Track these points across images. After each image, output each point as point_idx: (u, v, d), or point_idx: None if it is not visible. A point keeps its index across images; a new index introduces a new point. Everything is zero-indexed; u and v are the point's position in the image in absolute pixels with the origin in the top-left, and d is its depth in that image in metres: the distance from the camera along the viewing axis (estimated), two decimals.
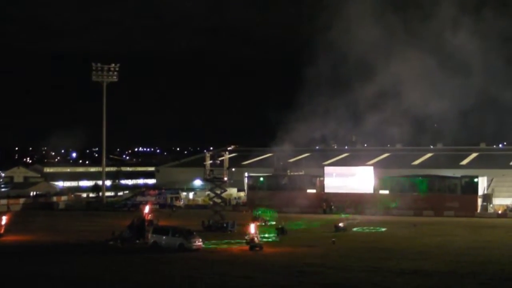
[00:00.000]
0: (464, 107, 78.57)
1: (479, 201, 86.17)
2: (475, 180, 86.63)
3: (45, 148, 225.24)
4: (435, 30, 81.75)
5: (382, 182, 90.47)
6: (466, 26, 76.06)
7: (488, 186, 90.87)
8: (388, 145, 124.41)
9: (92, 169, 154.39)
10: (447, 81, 79.88)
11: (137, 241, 53.34)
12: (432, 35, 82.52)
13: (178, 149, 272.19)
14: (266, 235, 57.39)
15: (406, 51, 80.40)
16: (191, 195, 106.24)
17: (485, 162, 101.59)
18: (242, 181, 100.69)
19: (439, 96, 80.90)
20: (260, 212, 74.12)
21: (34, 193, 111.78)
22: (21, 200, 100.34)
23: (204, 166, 70.84)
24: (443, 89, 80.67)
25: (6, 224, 59.11)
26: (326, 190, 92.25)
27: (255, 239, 50.67)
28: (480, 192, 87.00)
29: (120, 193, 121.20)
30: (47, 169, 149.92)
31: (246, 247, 50.18)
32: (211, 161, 70.83)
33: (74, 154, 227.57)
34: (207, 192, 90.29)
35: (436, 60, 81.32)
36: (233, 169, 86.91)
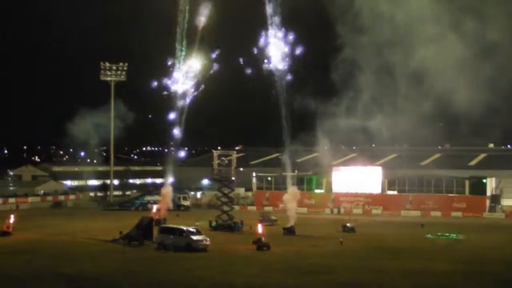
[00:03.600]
0: (473, 106, 77.92)
1: (487, 201, 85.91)
2: (484, 180, 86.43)
3: (54, 147, 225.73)
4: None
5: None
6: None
7: (496, 187, 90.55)
8: (396, 145, 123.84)
9: (100, 168, 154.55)
10: (451, 80, 79.14)
11: (145, 240, 53.38)
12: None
13: (185, 148, 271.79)
14: None
15: (410, 45, 79.78)
16: (199, 194, 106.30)
17: (494, 163, 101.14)
18: (250, 181, 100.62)
19: (446, 94, 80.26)
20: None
21: (42, 192, 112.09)
22: (29, 199, 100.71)
23: (212, 165, 70.92)
24: (449, 88, 79.89)
25: (14, 223, 59.32)
26: (334, 191, 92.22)
27: (262, 238, 50.69)
28: (488, 193, 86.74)
29: (128, 192, 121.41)
30: (56, 168, 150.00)
31: (253, 247, 50.15)
32: (218, 161, 70.85)
33: (82, 153, 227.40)
34: (215, 192, 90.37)
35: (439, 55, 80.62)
36: (241, 169, 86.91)
